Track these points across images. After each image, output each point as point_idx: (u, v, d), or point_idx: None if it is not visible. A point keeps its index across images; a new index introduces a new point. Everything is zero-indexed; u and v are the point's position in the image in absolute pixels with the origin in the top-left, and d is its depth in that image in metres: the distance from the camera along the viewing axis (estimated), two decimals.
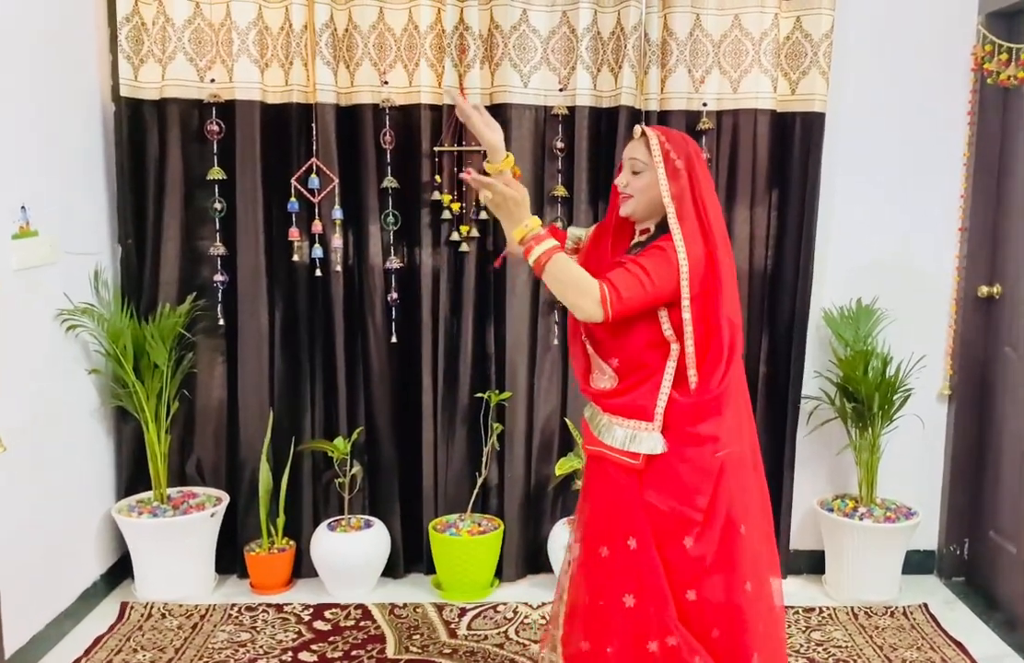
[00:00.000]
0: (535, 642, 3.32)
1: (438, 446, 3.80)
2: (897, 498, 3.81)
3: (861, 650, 3.30)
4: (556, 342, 3.76)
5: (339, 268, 3.70)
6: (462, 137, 3.64)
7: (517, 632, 3.40)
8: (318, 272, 3.69)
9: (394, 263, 3.74)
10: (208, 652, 3.21)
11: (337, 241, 3.68)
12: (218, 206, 3.68)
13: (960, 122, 3.75)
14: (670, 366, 2.21)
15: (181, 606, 3.54)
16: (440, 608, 3.57)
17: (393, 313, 3.76)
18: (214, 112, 3.63)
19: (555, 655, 2.39)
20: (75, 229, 3.47)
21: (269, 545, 3.74)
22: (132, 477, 3.74)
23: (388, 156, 3.68)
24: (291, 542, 3.78)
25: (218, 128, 3.65)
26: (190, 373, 3.74)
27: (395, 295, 3.74)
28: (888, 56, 3.72)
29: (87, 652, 3.20)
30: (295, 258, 3.68)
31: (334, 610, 3.55)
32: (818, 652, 3.28)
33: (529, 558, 3.87)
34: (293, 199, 3.65)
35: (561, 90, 3.66)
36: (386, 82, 3.63)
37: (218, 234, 3.71)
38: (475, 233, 3.70)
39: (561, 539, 3.64)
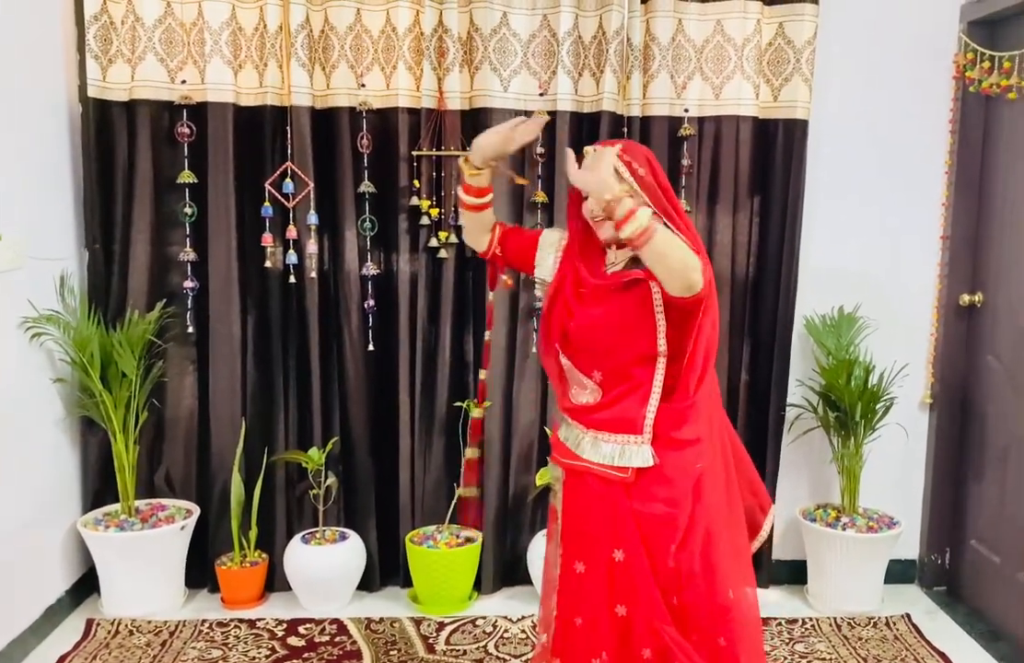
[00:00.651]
0: (516, 657, 3.25)
1: (415, 456, 3.73)
2: (879, 507, 3.78)
3: (845, 662, 3.27)
4: (535, 350, 3.70)
5: (314, 274, 3.61)
6: (441, 141, 3.57)
7: (497, 647, 3.33)
8: (292, 278, 3.61)
9: (371, 269, 3.66)
10: None
11: (312, 247, 3.60)
12: (189, 210, 3.59)
13: (942, 130, 3.74)
14: (658, 377, 2.15)
15: (150, 622, 3.44)
16: (418, 622, 3.50)
17: (370, 321, 3.68)
18: (185, 114, 3.54)
19: None
20: (41, 233, 3.37)
21: (241, 558, 3.65)
22: (99, 489, 3.64)
23: (365, 160, 3.61)
24: (264, 555, 3.69)
25: (189, 130, 3.56)
26: (159, 382, 3.64)
27: (372, 302, 3.67)
28: (871, 63, 3.70)
29: None
30: (268, 264, 3.59)
31: (308, 625, 3.47)
32: None
33: (507, 570, 3.81)
34: (267, 204, 3.56)
35: (541, 95, 3.60)
36: (363, 85, 3.56)
37: (188, 239, 3.61)
38: (453, 239, 3.63)
39: (541, 550, 3.57)
